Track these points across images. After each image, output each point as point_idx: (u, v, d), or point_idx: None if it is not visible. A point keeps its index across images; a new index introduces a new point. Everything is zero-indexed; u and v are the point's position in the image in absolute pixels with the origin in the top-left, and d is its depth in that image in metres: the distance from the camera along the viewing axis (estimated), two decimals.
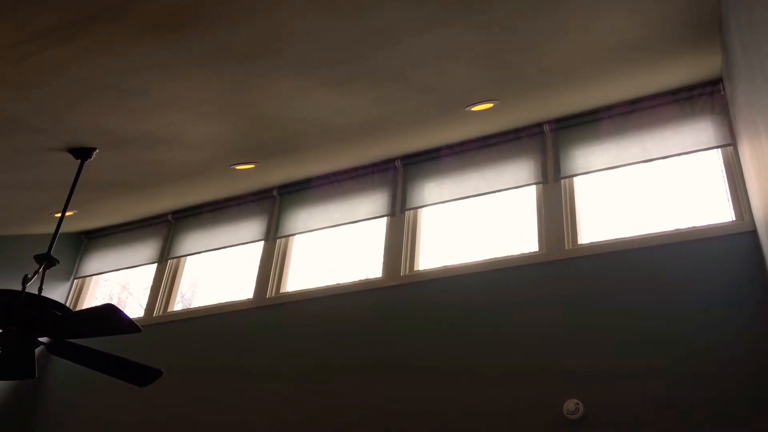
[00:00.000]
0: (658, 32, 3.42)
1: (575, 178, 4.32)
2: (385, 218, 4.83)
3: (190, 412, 4.69)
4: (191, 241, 5.55)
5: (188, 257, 5.64)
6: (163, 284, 5.54)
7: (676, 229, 3.88)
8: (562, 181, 4.30)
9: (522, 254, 4.28)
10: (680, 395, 3.33)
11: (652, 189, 4.25)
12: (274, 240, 5.19)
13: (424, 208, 4.78)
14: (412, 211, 4.78)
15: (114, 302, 6.91)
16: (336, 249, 5.17)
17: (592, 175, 4.30)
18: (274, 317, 4.81)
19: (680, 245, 3.73)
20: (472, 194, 4.55)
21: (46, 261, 3.58)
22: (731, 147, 3.88)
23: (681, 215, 4.01)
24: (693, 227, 3.85)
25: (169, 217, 5.71)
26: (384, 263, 4.64)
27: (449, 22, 3.19)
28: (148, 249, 5.76)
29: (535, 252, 4.20)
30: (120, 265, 5.84)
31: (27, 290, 3.23)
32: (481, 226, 4.71)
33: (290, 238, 5.22)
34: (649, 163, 4.11)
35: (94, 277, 6.05)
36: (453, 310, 4.16)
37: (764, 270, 3.38)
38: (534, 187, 4.41)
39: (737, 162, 3.81)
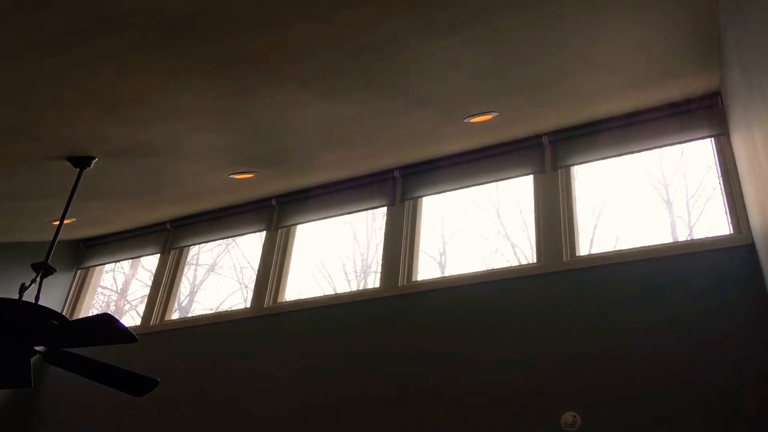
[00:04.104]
0: (657, 46, 3.43)
1: (575, 192, 4.33)
2: (384, 229, 4.84)
3: (187, 421, 4.66)
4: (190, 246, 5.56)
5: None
6: (161, 293, 5.53)
7: (674, 242, 3.88)
8: (561, 192, 4.31)
9: (520, 265, 4.28)
10: (678, 408, 3.32)
11: (650, 202, 4.26)
12: (272, 249, 5.18)
13: (422, 222, 4.79)
14: (410, 224, 4.78)
15: (110, 311, 6.89)
16: (334, 260, 5.17)
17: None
18: (271, 327, 4.80)
19: (678, 258, 3.73)
20: (470, 184, 4.63)
21: (44, 269, 3.56)
22: (729, 161, 3.89)
23: (679, 228, 4.02)
24: (691, 240, 3.86)
25: (168, 226, 5.70)
26: (382, 274, 4.63)
27: (449, 34, 3.21)
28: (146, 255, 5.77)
29: (533, 263, 4.20)
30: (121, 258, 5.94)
31: (24, 299, 3.22)
32: (480, 236, 4.72)
33: (288, 249, 5.21)
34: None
35: (91, 286, 6.05)
36: (450, 321, 4.15)
37: (762, 283, 3.38)
38: (533, 199, 4.42)
39: (735, 175, 3.82)
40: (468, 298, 4.19)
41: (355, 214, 4.97)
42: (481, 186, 4.59)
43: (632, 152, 4.14)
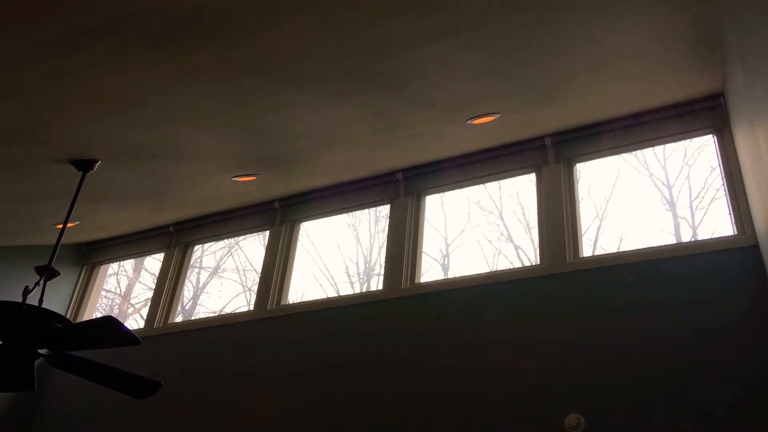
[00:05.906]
0: (660, 47, 3.43)
1: (578, 193, 4.33)
2: (387, 231, 4.83)
3: (190, 425, 4.66)
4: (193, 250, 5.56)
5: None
6: (164, 294, 5.53)
7: (677, 243, 3.87)
8: (564, 193, 4.30)
9: (523, 267, 4.27)
10: (681, 410, 3.31)
11: (654, 203, 4.25)
12: (274, 252, 5.18)
13: (425, 224, 4.79)
14: (413, 225, 4.77)
15: (114, 314, 6.89)
16: (337, 262, 5.17)
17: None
18: (274, 329, 4.80)
19: (682, 259, 3.72)
20: (473, 182, 4.67)
21: (47, 272, 3.57)
22: (732, 160, 3.88)
23: (683, 229, 4.01)
24: (695, 241, 3.84)
25: (171, 229, 5.71)
26: (385, 276, 4.63)
27: (451, 36, 3.21)
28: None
29: (536, 265, 4.19)
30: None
31: (27, 302, 3.22)
32: (483, 238, 4.72)
33: (291, 252, 5.22)
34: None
35: (95, 289, 6.06)
36: (454, 323, 4.15)
37: (766, 284, 3.37)
38: (536, 200, 4.41)
39: (739, 175, 3.81)
40: (471, 300, 4.18)
41: (358, 216, 4.97)
42: (483, 184, 4.60)
43: (635, 147, 4.15)
